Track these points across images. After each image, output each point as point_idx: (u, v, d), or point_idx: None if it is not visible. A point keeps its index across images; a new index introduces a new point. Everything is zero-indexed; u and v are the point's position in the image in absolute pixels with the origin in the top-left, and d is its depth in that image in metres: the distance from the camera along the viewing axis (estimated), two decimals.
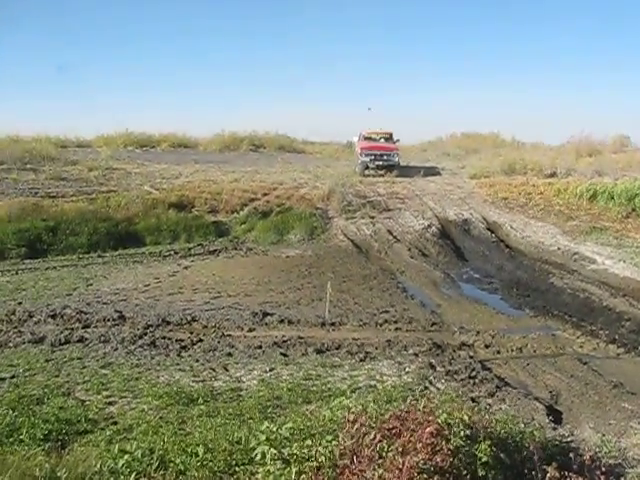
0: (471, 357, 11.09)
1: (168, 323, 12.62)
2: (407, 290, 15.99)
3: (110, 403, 8.55)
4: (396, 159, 32.11)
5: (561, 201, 25.23)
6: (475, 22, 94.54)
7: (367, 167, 31.78)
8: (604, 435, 7.04)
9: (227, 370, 9.98)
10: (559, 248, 19.92)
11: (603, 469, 4.65)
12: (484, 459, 4.60)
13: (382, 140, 33.53)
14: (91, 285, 15.88)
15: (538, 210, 24.38)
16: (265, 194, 26.21)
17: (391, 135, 33.97)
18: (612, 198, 24.12)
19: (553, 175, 30.31)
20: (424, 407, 4.88)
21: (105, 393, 8.86)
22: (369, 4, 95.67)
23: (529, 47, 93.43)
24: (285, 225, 22.76)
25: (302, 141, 47.49)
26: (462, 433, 4.62)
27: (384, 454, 4.31)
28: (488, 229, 22.49)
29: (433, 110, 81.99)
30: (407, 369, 10.11)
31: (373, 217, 23.85)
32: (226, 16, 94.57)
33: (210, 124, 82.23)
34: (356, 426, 4.56)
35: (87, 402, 8.52)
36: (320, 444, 4.84)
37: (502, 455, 4.85)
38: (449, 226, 22.99)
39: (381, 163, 31.77)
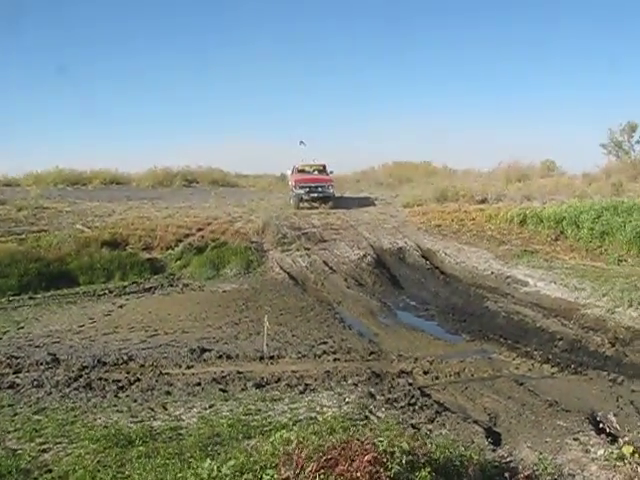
0: (410, 384, 11.12)
1: (104, 364, 12.30)
2: (344, 320, 16.06)
3: (44, 450, 8.20)
4: (331, 190, 32.14)
5: (493, 226, 25.81)
6: (399, 50, 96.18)
7: (302, 200, 31.60)
8: (541, 453, 7.15)
9: (166, 409, 9.79)
10: (492, 272, 20.33)
11: None
12: None
13: (316, 172, 33.53)
14: (22, 328, 15.39)
15: (471, 236, 24.85)
16: (200, 229, 26.08)
17: (324, 167, 34.00)
18: (541, 222, 24.88)
19: (484, 201, 31.07)
20: (363, 436, 4.91)
21: (39, 440, 8.49)
22: (280, 37, 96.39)
23: (457, 73, 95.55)
24: (221, 260, 22.61)
25: (235, 175, 47.55)
26: (401, 460, 4.67)
27: None
28: (423, 256, 22.81)
29: (366, 139, 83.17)
30: (347, 399, 10.09)
31: (308, 249, 23.91)
32: (152, 50, 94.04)
33: (143, 159, 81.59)
34: (295, 458, 4.55)
35: (19, 451, 8.13)
36: (260, 478, 4.81)
37: None
38: (384, 255, 23.21)
39: (316, 195, 31.67)
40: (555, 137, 70.52)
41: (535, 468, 6.62)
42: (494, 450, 7.95)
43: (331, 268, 21.72)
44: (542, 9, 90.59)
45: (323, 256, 22.98)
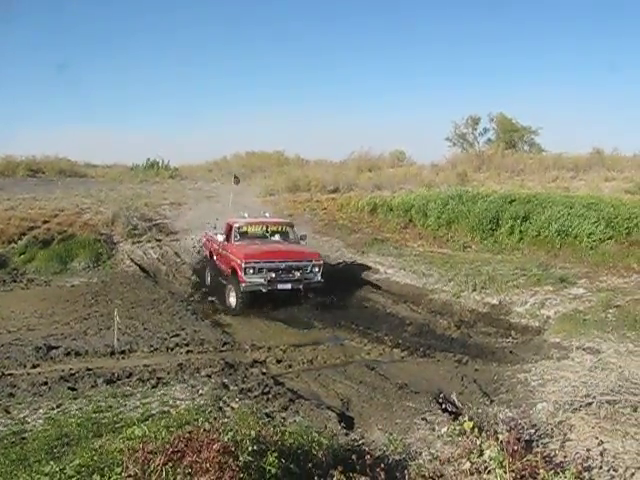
0: (264, 373, 11.17)
1: None
2: (197, 312, 15.92)
3: None
4: (318, 276, 16.95)
5: (344, 215, 26.38)
6: (248, 40, 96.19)
7: (255, 296, 16.43)
8: (391, 434, 7.39)
9: (8, 412, 9.26)
10: (344, 261, 20.80)
11: (383, 465, 4.97)
12: (273, 471, 4.71)
13: (276, 236, 18.38)
14: None
15: (323, 225, 25.27)
16: (45, 222, 24.91)
17: (290, 227, 19.06)
18: (391, 210, 25.75)
19: (336, 190, 31.65)
20: (211, 426, 4.91)
21: None
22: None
23: (309, 64, 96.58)
24: (68, 253, 21.69)
25: (84, 164, 45.84)
26: (250, 448, 4.70)
27: (171, 478, 4.28)
28: None
29: (219, 130, 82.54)
30: (200, 391, 9.98)
31: (160, 240, 23.53)
32: None
33: None
34: (141, 453, 4.48)
35: None
36: (109, 477, 4.70)
37: (292, 466, 4.98)
38: None
39: (290, 286, 16.58)
40: (405, 128, 72.95)
41: (385, 449, 6.87)
42: (347, 434, 8.10)
43: (183, 260, 21.44)
44: None
45: (175, 247, 22.68)
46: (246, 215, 19.19)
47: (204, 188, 34.47)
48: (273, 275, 16.33)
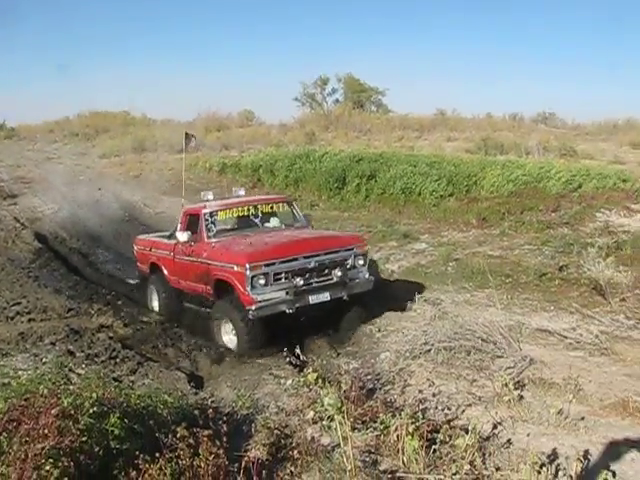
0: (111, 338, 10.93)
1: None
2: (40, 278, 15.27)
3: None
4: (365, 273, 11.01)
5: (192, 175, 26.03)
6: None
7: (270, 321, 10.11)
8: (240, 390, 7.55)
9: None
10: None
11: (226, 419, 5.09)
12: (116, 432, 4.70)
13: (272, 221, 12.16)
14: None
15: (170, 186, 24.83)
16: None
17: (287, 202, 12.88)
18: (239, 170, 25.79)
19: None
20: (50, 392, 4.81)
21: None
22: None
23: (154, 26, 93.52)
24: None
25: None
26: (91, 410, 4.66)
27: (6, 448, 4.16)
28: (122, 208, 22.40)
29: (59, 88, 78.65)
30: (44, 359, 9.69)
31: None
32: None
33: None
34: None
35: None
36: None
37: (135, 426, 4.98)
38: (82, 207, 22.33)
39: (329, 296, 10.30)
40: (254, 88, 72.39)
41: (234, 405, 7.00)
42: (196, 393, 8.19)
43: (23, 224, 20.45)
44: None
45: (14, 212, 21.58)
46: (210, 197, 12.46)
47: (44, 149, 32.88)
48: (300, 282, 10.13)
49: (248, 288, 9.78)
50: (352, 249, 10.79)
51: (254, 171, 25.28)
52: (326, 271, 10.46)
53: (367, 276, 10.96)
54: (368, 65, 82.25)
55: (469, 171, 20.67)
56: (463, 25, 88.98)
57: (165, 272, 12.76)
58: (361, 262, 10.89)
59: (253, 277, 9.77)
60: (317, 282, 10.36)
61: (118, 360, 9.82)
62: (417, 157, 23.89)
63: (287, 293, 10.00)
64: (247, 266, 9.71)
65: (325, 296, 10.21)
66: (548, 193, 18.80)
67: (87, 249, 18.70)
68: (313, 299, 10.10)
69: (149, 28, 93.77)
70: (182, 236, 11.53)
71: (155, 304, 13.19)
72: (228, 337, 10.43)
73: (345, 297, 10.38)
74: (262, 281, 9.85)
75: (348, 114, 41.68)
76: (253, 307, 9.73)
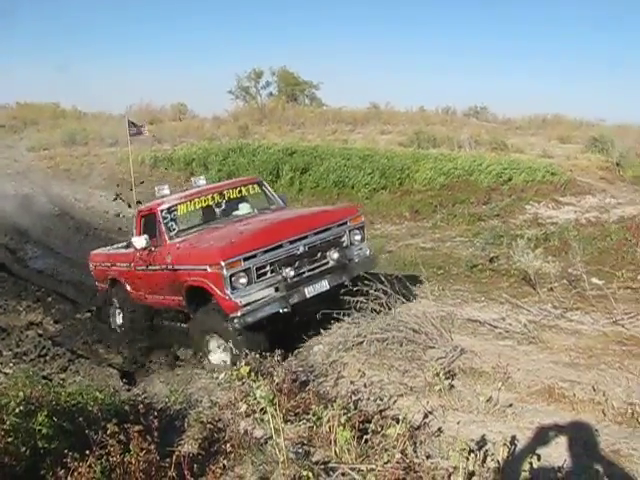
0: (40, 335, 10.75)
1: None
2: None
3: None
4: (365, 250, 9.59)
5: (124, 169, 25.62)
6: None
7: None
8: (172, 386, 7.50)
9: None
10: (124, 215, 20.28)
11: (157, 414, 5.08)
12: (44, 431, 4.62)
13: (242, 207, 10.61)
14: None
15: (102, 180, 24.44)
16: None
17: (258, 184, 10.95)
18: (172, 164, 25.58)
19: (115, 144, 30.61)
20: None
21: None
22: None
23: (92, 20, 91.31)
24: None
25: None
26: (17, 410, 4.58)
27: None
28: (51, 202, 21.89)
29: None
30: None
31: None
32: None
33: None
34: None
35: None
36: None
37: (65, 424, 4.91)
38: (9, 202, 21.71)
39: (328, 285, 8.72)
40: (187, 81, 71.47)
41: (167, 400, 6.96)
42: (129, 390, 8.13)
43: None
44: None
45: None
46: (166, 191, 10.44)
47: None
48: (290, 273, 8.53)
49: (228, 291, 8.05)
50: (345, 223, 9.31)
51: (187, 165, 25.14)
52: (319, 255, 8.91)
53: (368, 253, 9.55)
54: (302, 58, 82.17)
55: (402, 164, 20.99)
56: (396, 19, 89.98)
57: (127, 288, 10.90)
58: (358, 237, 9.44)
59: (232, 276, 8.03)
60: (311, 270, 8.79)
61: (48, 358, 9.70)
62: (350, 150, 24.19)
63: (277, 289, 8.36)
64: (222, 264, 7.96)
65: (323, 285, 8.69)
66: (479, 186, 19.25)
67: (15, 244, 18.20)
68: (310, 291, 8.52)
69: (80, 19, 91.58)
70: (139, 242, 9.62)
71: (119, 321, 11.46)
72: (217, 356, 8.67)
73: (347, 282, 8.68)
74: (243, 279, 8.13)
75: (282, 107, 41.60)
76: (238, 313, 8.00)
